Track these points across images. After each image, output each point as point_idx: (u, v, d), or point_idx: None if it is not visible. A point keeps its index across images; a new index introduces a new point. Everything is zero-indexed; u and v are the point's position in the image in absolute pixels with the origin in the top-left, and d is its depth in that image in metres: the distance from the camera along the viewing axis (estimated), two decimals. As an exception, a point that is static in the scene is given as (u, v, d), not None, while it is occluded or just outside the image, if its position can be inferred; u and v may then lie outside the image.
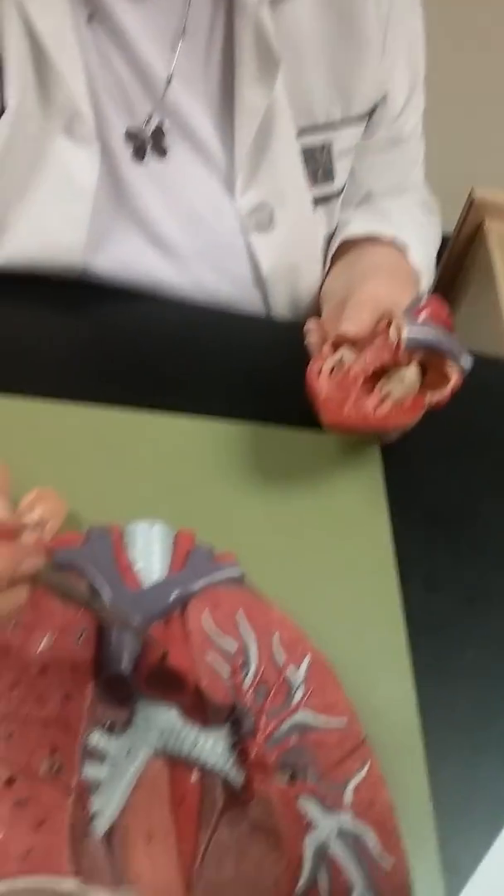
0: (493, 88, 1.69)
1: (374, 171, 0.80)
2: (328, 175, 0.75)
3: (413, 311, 0.58)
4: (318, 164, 0.73)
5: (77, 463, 0.59)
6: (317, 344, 0.62)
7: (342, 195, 0.80)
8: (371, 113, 0.75)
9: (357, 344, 0.59)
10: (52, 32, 0.60)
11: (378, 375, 0.57)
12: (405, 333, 0.55)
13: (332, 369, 0.58)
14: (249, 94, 0.65)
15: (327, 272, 0.79)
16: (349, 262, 0.75)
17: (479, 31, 1.61)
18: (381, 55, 0.70)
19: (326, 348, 0.60)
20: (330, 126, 0.72)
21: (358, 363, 0.57)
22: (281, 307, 0.80)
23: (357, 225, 0.77)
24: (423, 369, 0.58)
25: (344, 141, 0.74)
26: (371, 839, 0.38)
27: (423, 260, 0.74)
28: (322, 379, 0.57)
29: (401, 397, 0.57)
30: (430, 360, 0.57)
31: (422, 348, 0.56)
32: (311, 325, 0.63)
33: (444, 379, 0.57)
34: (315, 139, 0.72)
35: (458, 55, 1.53)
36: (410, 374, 0.57)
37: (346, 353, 0.59)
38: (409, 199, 0.84)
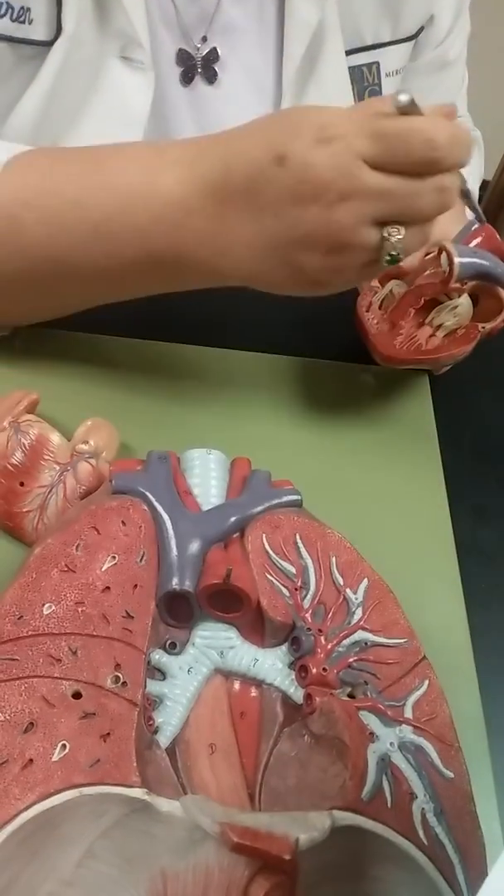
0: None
1: (418, 97, 0.79)
2: (377, 94, 0.74)
3: (463, 238, 0.57)
4: (366, 83, 0.73)
5: (130, 395, 0.59)
6: None
7: None
8: (418, 34, 0.74)
9: (407, 276, 0.58)
10: None
11: (430, 306, 0.57)
12: (456, 261, 0.54)
13: (382, 303, 0.58)
14: (302, 9, 0.65)
15: None
16: None
17: None
18: None
19: (375, 282, 0.59)
20: (378, 46, 0.71)
21: (409, 295, 0.56)
22: None
23: None
24: (475, 298, 0.57)
25: (392, 61, 0.73)
26: (432, 751, 0.39)
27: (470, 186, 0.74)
28: (372, 313, 0.57)
29: (452, 327, 0.56)
30: (482, 289, 0.57)
31: (474, 277, 0.55)
32: None
33: (497, 307, 0.56)
34: (364, 58, 0.71)
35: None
36: (463, 304, 0.56)
37: (395, 285, 0.58)
38: None
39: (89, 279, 0.52)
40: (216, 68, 0.68)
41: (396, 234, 0.44)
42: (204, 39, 0.67)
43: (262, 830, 0.32)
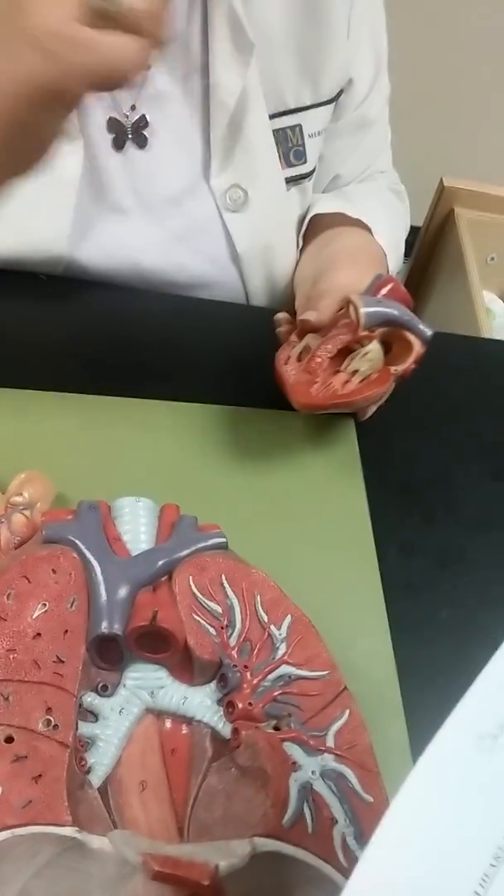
0: (459, 81, 1.72)
1: (340, 155, 0.83)
2: (300, 156, 0.78)
3: (370, 290, 0.61)
4: (290, 144, 0.76)
5: (63, 448, 0.61)
6: (286, 333, 0.65)
7: (313, 177, 0.82)
8: (338, 97, 0.77)
9: (322, 331, 0.61)
10: None
11: (344, 355, 0.60)
12: (362, 311, 0.58)
13: (300, 356, 0.61)
14: (225, 78, 0.68)
15: (300, 254, 0.81)
16: (318, 246, 0.77)
17: (448, 23, 1.65)
18: (346, 39, 0.73)
19: (293, 336, 0.62)
20: (301, 109, 0.75)
21: (322, 346, 0.60)
22: (258, 286, 0.83)
23: (323, 204, 0.80)
24: (388, 345, 0.60)
25: (314, 123, 0.77)
26: (352, 777, 0.41)
27: (388, 239, 0.77)
28: (290, 365, 0.60)
29: (366, 372, 0.59)
30: (392, 334, 0.60)
31: (381, 324, 0.58)
32: (279, 317, 0.65)
33: (408, 350, 0.59)
34: (287, 121, 0.75)
35: (425, 46, 1.56)
36: (373, 349, 0.59)
37: (311, 339, 0.61)
38: (377, 184, 0.87)
39: None
40: (146, 133, 0.71)
41: None
42: (133, 108, 0.70)
43: (182, 859, 0.33)
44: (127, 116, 0.70)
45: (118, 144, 0.71)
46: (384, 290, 0.60)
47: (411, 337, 0.59)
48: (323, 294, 0.63)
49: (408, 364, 0.59)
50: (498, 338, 1.20)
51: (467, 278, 1.14)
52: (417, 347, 0.59)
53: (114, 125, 0.70)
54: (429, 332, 0.59)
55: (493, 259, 1.34)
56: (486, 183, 1.36)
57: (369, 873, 0.19)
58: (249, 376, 0.70)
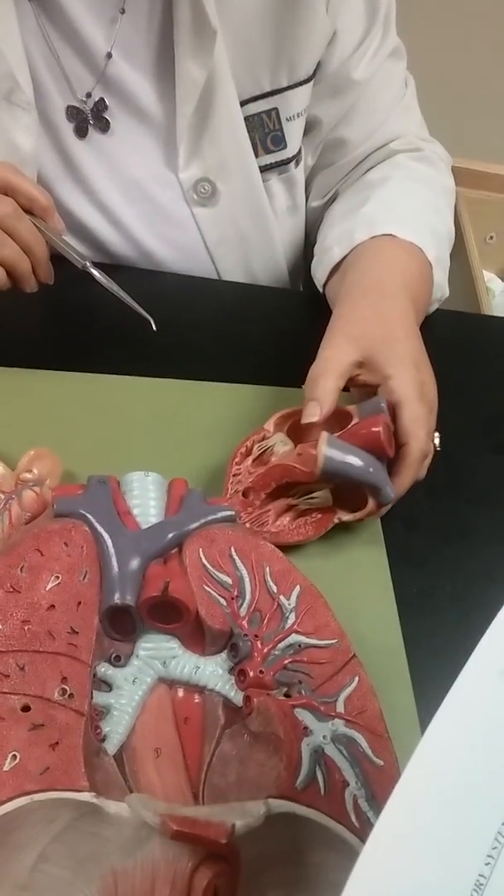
0: (459, 61, 1.71)
1: (334, 117, 0.78)
2: (278, 141, 0.76)
3: (366, 418, 0.56)
4: (266, 129, 0.74)
5: (69, 426, 0.62)
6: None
7: (300, 163, 0.80)
8: (315, 74, 0.74)
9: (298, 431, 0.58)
10: None
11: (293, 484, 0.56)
12: (321, 462, 0.53)
13: (261, 455, 0.58)
14: (188, 66, 0.67)
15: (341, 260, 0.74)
16: (341, 274, 0.73)
17: (460, 2, 1.63)
18: (325, 13, 0.70)
19: (269, 424, 0.59)
20: (277, 92, 0.73)
21: (276, 469, 0.55)
22: (234, 277, 0.82)
23: (346, 235, 0.73)
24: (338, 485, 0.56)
25: (292, 105, 0.74)
26: (363, 741, 0.41)
27: (419, 236, 0.71)
28: (245, 463, 0.57)
29: (305, 511, 0.56)
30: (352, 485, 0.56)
31: (339, 476, 0.54)
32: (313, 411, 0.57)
33: (362, 501, 0.56)
34: (263, 105, 0.73)
35: (428, 26, 1.55)
36: (321, 496, 0.56)
37: (280, 442, 0.58)
38: (396, 165, 0.80)
39: None
40: (107, 117, 0.71)
41: None
42: (88, 95, 0.70)
43: (200, 819, 0.34)
44: (84, 102, 0.70)
45: (80, 132, 0.71)
46: (377, 428, 0.54)
47: (368, 495, 0.55)
48: (328, 367, 0.58)
49: (355, 517, 0.56)
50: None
51: (467, 257, 1.14)
52: (371, 506, 0.55)
53: (73, 113, 0.70)
54: (390, 496, 0.55)
55: (492, 238, 1.34)
56: (485, 162, 1.36)
57: (409, 789, 0.20)
58: (250, 354, 0.71)
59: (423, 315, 0.70)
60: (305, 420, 0.56)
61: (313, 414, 0.55)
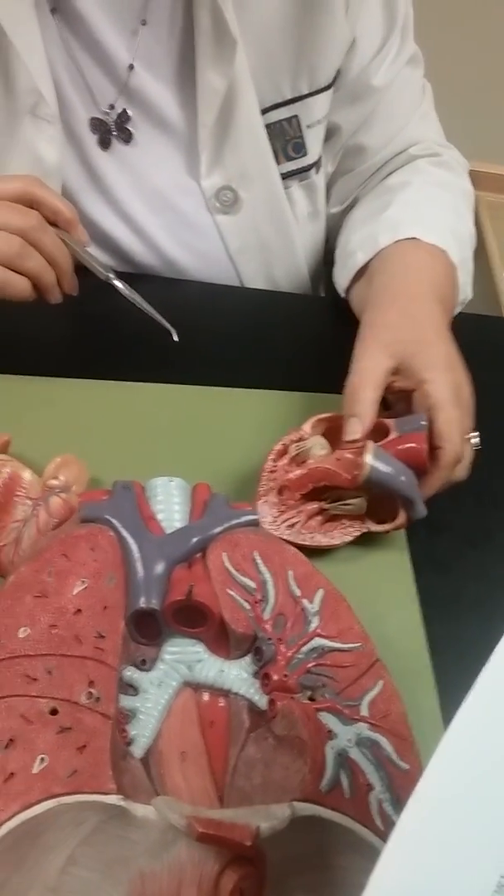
0: (482, 63, 1.71)
1: (353, 123, 0.79)
2: (299, 148, 0.76)
3: (404, 434, 0.57)
4: (287, 137, 0.75)
5: (93, 433, 0.62)
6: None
7: (321, 169, 0.81)
8: (335, 80, 0.75)
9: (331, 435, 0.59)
10: (13, 19, 0.63)
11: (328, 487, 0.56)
12: (367, 471, 0.53)
13: (297, 455, 0.58)
14: (209, 76, 0.67)
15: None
16: (366, 280, 0.73)
17: (476, 8, 1.64)
18: (345, 20, 0.71)
19: (307, 426, 0.59)
20: (297, 99, 0.73)
21: (315, 472, 0.56)
22: (256, 284, 0.82)
23: (369, 240, 0.73)
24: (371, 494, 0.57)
25: (312, 112, 0.75)
26: (387, 745, 0.42)
27: (441, 237, 0.71)
28: (283, 461, 0.57)
29: (334, 516, 0.57)
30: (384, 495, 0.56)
31: (379, 486, 0.55)
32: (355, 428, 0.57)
33: (392, 513, 0.56)
34: (284, 113, 0.73)
35: (445, 31, 1.55)
36: (357, 504, 0.56)
37: (319, 445, 0.58)
38: (415, 171, 0.80)
39: None
40: (130, 128, 0.71)
41: None
42: (112, 107, 0.70)
43: (225, 821, 0.35)
44: (107, 114, 0.71)
45: (104, 143, 0.72)
46: (410, 445, 0.55)
47: (401, 508, 0.56)
48: (364, 377, 0.58)
49: (385, 528, 0.56)
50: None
51: (488, 260, 1.14)
52: (401, 519, 0.56)
53: (97, 125, 0.71)
54: (423, 514, 0.56)
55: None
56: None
57: (430, 787, 0.20)
58: (273, 360, 0.71)
59: (451, 317, 0.70)
60: (349, 437, 0.56)
61: (355, 431, 0.56)
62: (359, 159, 0.81)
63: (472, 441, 0.60)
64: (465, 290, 0.76)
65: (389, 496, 0.55)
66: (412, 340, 0.60)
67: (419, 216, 0.73)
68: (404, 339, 0.60)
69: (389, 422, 0.57)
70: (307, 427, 0.60)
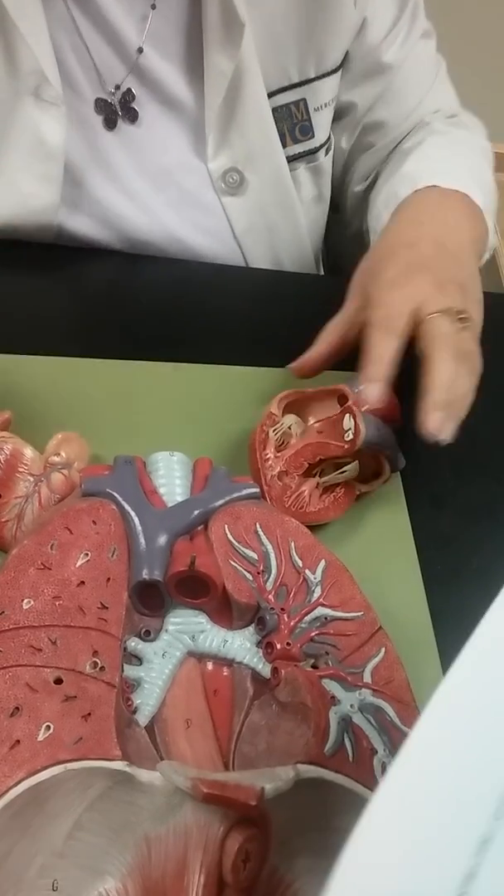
0: (497, 44, 1.71)
1: (368, 100, 0.79)
2: (306, 130, 0.77)
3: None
4: (295, 120, 0.75)
5: (94, 410, 0.62)
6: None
7: (329, 151, 0.81)
8: (343, 63, 0.75)
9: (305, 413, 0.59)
10: (17, 1, 0.62)
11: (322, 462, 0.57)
12: (363, 436, 0.54)
13: (280, 438, 0.58)
14: (217, 59, 0.67)
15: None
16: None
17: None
18: (353, 4, 0.71)
19: (275, 409, 0.59)
20: (305, 83, 0.73)
21: (309, 448, 0.56)
22: (261, 265, 0.82)
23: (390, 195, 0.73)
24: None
25: (320, 95, 0.75)
26: (390, 710, 0.42)
27: (464, 182, 0.69)
28: (269, 450, 0.57)
29: (327, 488, 0.57)
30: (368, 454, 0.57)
31: (368, 448, 0.55)
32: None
33: (377, 470, 0.58)
34: (291, 96, 0.74)
35: (468, 14, 1.54)
36: (352, 468, 0.57)
37: (294, 422, 0.59)
38: (430, 131, 0.80)
39: None
40: (135, 107, 0.71)
41: None
42: (117, 87, 0.70)
43: (230, 782, 0.35)
44: (112, 94, 0.71)
45: (109, 124, 0.72)
46: (380, 411, 0.56)
47: (385, 462, 0.57)
48: (371, 330, 0.57)
49: (373, 487, 0.58)
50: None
51: (500, 242, 1.14)
52: (387, 473, 0.58)
53: (102, 105, 0.71)
54: (403, 463, 0.58)
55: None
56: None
57: (419, 745, 0.20)
58: (267, 338, 0.72)
59: (481, 238, 0.69)
60: (374, 405, 0.55)
61: (376, 393, 0.55)
62: (378, 134, 0.82)
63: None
64: (490, 237, 0.75)
65: (373, 455, 0.56)
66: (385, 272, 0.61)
67: (436, 167, 0.72)
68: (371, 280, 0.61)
69: (343, 386, 0.57)
70: (275, 409, 0.59)
